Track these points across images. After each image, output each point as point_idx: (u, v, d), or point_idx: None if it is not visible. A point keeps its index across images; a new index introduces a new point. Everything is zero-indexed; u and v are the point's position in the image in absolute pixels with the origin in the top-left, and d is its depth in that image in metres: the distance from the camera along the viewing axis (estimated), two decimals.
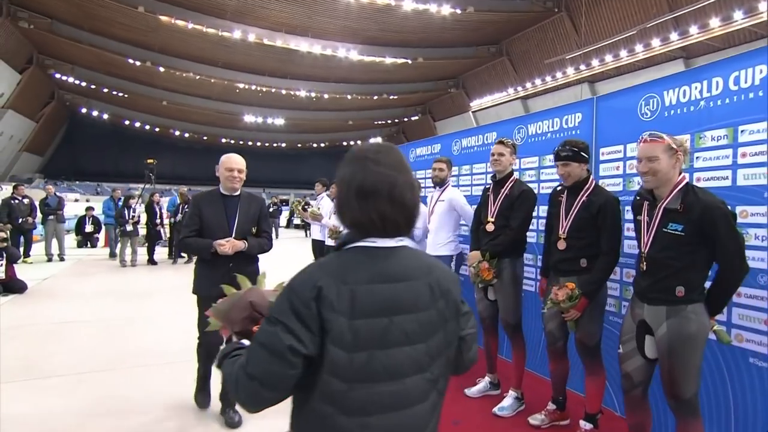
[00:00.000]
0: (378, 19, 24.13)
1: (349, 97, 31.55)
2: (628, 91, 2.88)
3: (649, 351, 2.07)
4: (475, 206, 3.29)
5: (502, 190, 3.01)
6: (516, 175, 3.10)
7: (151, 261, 8.82)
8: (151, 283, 7.02)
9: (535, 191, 3.43)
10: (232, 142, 39.32)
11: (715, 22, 16.10)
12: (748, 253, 2.24)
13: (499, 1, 22.52)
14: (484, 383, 3.21)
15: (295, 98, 31.37)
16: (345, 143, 35.71)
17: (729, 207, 1.88)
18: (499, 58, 27.06)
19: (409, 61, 26.94)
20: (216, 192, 2.78)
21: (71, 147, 38.10)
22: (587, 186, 2.55)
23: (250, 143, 40.12)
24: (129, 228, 8.38)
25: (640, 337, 2.08)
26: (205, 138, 39.78)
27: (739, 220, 2.25)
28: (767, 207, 2.15)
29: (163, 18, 24.39)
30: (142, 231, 9.07)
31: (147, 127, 37.47)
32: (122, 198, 9.10)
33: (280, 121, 35.87)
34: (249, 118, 35.59)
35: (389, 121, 38.26)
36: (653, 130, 2.02)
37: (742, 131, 2.25)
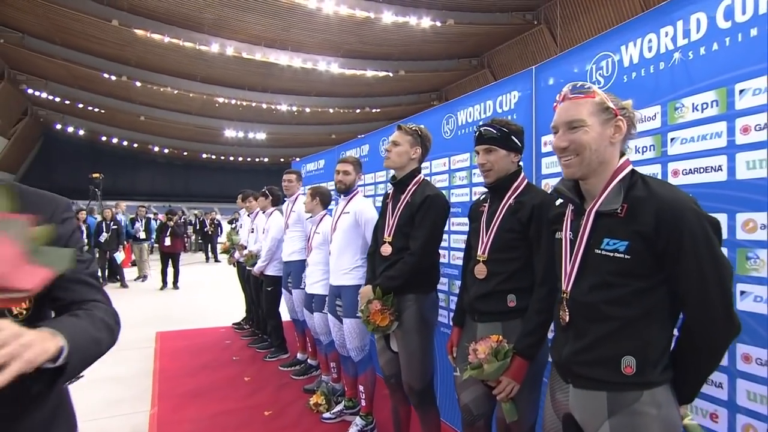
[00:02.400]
0: (358, 32, 23.73)
1: (331, 110, 31.06)
2: (574, 54, 2.04)
3: None
4: None
5: (403, 197, 2.13)
6: (422, 176, 2.23)
7: None
8: None
9: (468, 198, 2.61)
10: (213, 157, 38.54)
11: None
12: (757, 290, 1.36)
13: (480, 14, 22.34)
14: None
15: (277, 112, 30.85)
16: None
17: (710, 214, 1.08)
18: (481, 71, 26.76)
19: (391, 74, 26.57)
20: None
21: (46, 164, 37.18)
22: (516, 184, 1.72)
23: (231, 158, 39.39)
24: None
25: None
26: (185, 153, 38.94)
27: (741, 235, 1.38)
28: None
29: (138, 32, 23.77)
30: None
31: (125, 143, 36.65)
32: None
33: (261, 136, 35.20)
34: (230, 133, 34.92)
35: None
36: (580, 82, 1.19)
37: (741, 92, 1.40)
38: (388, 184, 2.31)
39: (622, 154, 1.17)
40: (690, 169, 1.52)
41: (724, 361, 1.43)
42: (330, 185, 3.96)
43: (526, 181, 1.78)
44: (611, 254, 1.08)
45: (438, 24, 21.92)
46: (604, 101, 1.13)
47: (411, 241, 2.05)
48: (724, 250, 1.42)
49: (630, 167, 1.15)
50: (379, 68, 26.39)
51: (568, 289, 1.17)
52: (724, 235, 1.41)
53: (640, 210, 1.06)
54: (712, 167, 1.46)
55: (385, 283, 2.03)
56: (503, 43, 24.17)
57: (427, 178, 2.48)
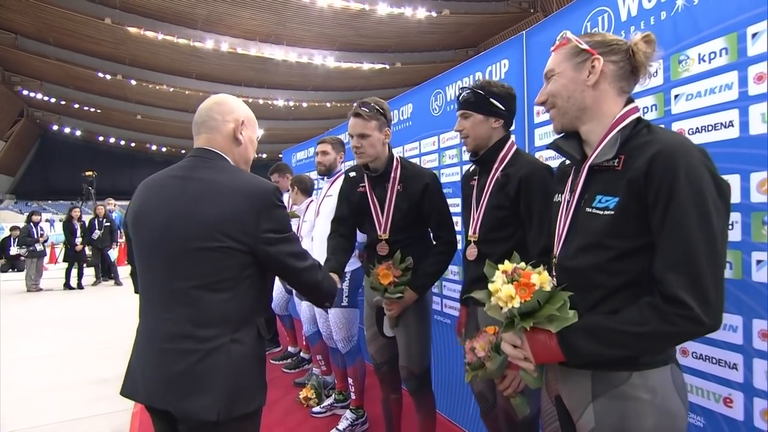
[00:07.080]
0: (353, 25, 23.50)
1: (328, 105, 30.81)
2: (566, 14, 1.87)
3: None
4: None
5: (389, 186, 1.97)
6: (397, 159, 2.04)
7: (68, 285, 7.67)
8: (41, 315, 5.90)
9: (459, 178, 2.47)
10: None
11: None
12: None
13: (475, 3, 22.06)
14: None
15: (273, 108, 30.60)
16: None
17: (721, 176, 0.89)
18: None
19: (387, 67, 26.30)
20: None
21: (44, 165, 37.06)
22: (503, 154, 1.57)
23: None
24: (39, 248, 7.27)
25: (567, 427, 1.06)
26: (183, 152, 38.81)
27: (756, 197, 1.23)
28: None
29: (132, 29, 23.59)
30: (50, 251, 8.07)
31: (122, 142, 36.49)
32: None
33: (259, 132, 35.09)
34: None
35: None
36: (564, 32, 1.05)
37: (754, 36, 1.24)
38: (352, 172, 2.12)
39: (631, 101, 1.00)
40: (697, 128, 1.36)
41: (738, 339, 1.28)
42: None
43: (514, 149, 1.60)
44: (601, 212, 0.94)
45: (433, 14, 21.66)
46: (576, 45, 0.99)
47: (442, 231, 1.90)
48: (737, 216, 1.27)
49: (636, 115, 0.97)
50: (375, 61, 26.16)
51: (557, 253, 1.02)
52: (737, 198, 1.26)
53: (636, 159, 0.91)
54: (722, 124, 1.30)
55: (426, 282, 1.86)
56: (499, 32, 23.91)
57: (414, 161, 2.33)
